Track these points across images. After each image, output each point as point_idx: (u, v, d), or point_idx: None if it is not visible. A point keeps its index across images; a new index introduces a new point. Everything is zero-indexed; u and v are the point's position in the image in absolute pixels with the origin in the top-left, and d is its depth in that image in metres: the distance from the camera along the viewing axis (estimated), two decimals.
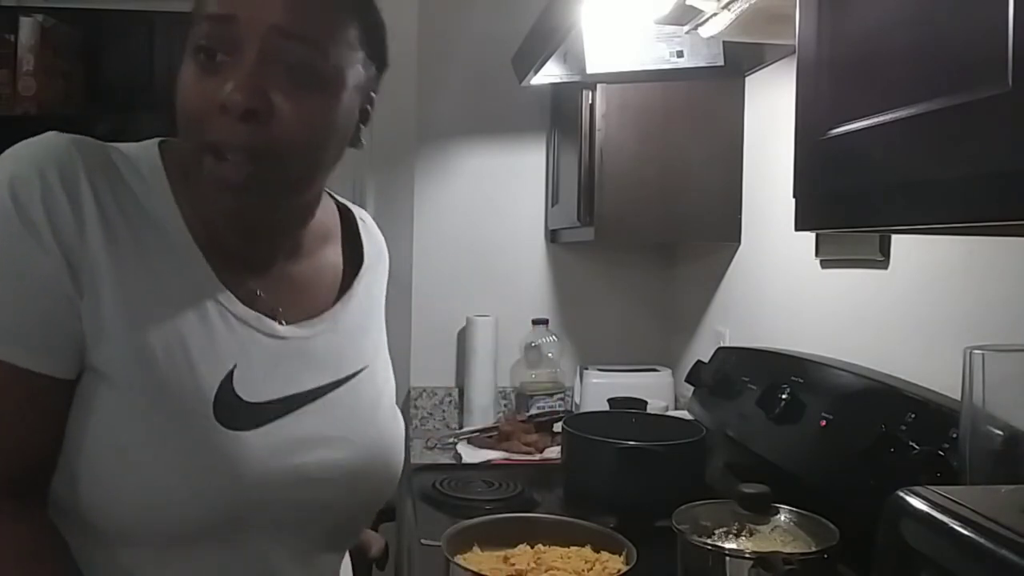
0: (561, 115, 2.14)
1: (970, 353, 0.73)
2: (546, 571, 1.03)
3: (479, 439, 2.03)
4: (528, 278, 2.35)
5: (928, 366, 1.17)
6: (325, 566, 0.90)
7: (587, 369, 2.22)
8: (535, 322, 2.25)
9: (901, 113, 0.60)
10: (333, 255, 0.95)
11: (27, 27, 2.54)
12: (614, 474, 1.42)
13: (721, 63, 1.71)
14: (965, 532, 0.56)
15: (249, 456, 0.77)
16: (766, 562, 0.95)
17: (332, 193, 0.99)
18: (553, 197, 2.23)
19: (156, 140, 0.83)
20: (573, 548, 1.09)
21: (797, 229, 0.77)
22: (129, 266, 0.76)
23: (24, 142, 0.76)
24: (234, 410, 0.77)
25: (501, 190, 2.32)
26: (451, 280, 2.31)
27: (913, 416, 1.04)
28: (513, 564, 1.04)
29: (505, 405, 2.30)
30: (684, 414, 1.75)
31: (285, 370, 0.83)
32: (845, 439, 1.15)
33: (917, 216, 0.61)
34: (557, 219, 2.21)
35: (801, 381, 1.32)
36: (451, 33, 2.27)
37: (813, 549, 0.97)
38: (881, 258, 1.31)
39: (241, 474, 0.76)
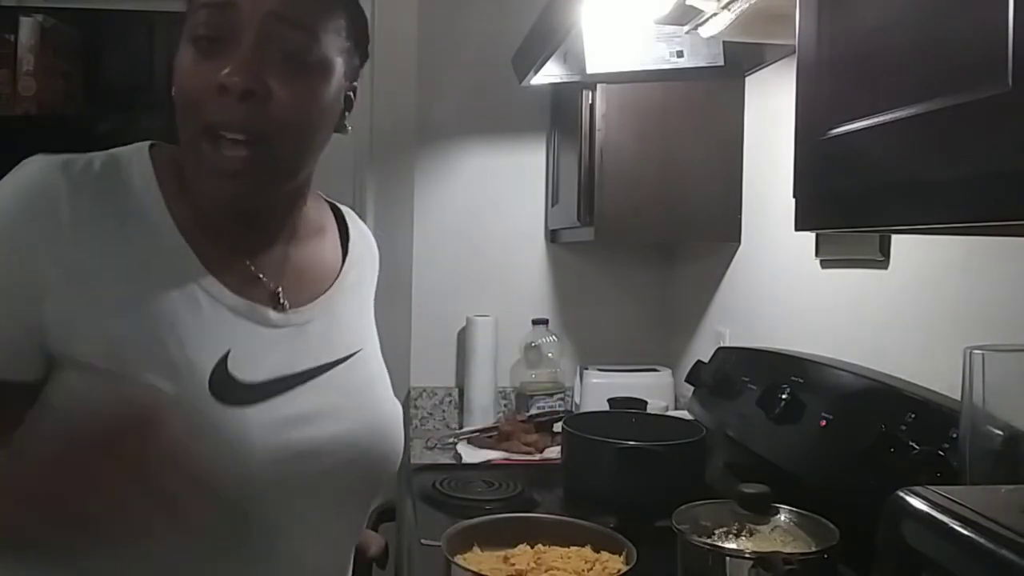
0: (561, 115, 2.14)
1: (970, 353, 0.73)
2: (546, 571, 1.03)
3: (479, 439, 2.03)
4: (528, 278, 2.35)
5: (928, 366, 1.17)
6: (332, 542, 0.90)
7: (587, 369, 2.22)
8: (535, 322, 2.25)
9: (901, 113, 0.60)
10: (331, 247, 0.98)
11: (27, 27, 2.54)
12: (614, 474, 1.42)
13: (721, 63, 1.70)
14: (965, 532, 0.56)
15: (249, 431, 0.78)
16: (766, 562, 0.95)
17: (323, 196, 1.01)
18: (553, 197, 2.23)
19: (147, 143, 0.86)
20: (573, 548, 1.09)
21: (797, 229, 0.77)
22: (117, 264, 0.78)
23: (9, 174, 0.79)
24: (231, 389, 0.79)
25: (501, 190, 2.32)
26: (451, 280, 2.31)
27: (913, 416, 1.04)
28: (513, 564, 1.04)
29: (505, 405, 2.30)
30: (684, 414, 1.75)
31: (280, 355, 0.85)
32: (845, 439, 1.15)
33: (917, 216, 0.61)
34: (557, 219, 2.21)
35: (801, 381, 1.32)
36: (451, 33, 2.27)
37: (813, 549, 0.98)
38: (881, 258, 1.31)
39: (242, 448, 0.77)
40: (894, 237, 1.29)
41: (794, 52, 0.76)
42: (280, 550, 0.82)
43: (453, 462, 1.94)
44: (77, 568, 0.77)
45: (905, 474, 0.95)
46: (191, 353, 0.78)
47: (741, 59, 1.75)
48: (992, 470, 0.72)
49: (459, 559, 1.03)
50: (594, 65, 1.71)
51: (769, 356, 1.50)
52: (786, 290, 1.65)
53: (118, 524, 0.71)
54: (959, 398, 0.76)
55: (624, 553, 1.05)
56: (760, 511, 1.05)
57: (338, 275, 0.96)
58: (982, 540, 0.55)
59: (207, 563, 0.79)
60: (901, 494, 0.63)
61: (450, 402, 2.33)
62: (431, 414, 2.32)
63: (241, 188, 0.80)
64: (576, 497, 1.54)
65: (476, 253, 2.32)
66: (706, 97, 1.84)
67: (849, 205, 0.69)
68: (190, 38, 0.79)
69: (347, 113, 0.89)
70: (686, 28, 1.36)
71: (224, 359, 0.80)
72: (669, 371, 2.23)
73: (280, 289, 0.88)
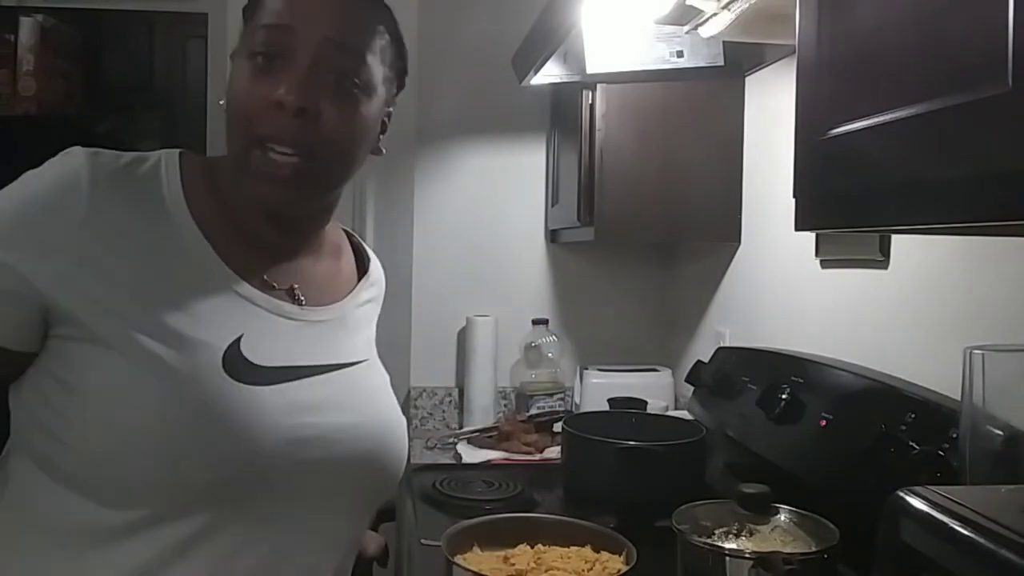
0: (561, 115, 2.14)
1: (970, 353, 0.73)
2: (546, 571, 1.03)
3: (479, 439, 2.03)
4: (528, 278, 2.35)
5: (928, 366, 1.17)
6: (333, 535, 0.90)
7: (587, 369, 2.22)
8: (535, 322, 2.25)
9: (901, 113, 0.60)
10: (347, 266, 1.03)
11: (27, 27, 2.54)
12: (614, 474, 1.42)
13: (721, 63, 1.71)
14: (965, 532, 0.56)
15: (262, 409, 0.80)
16: (766, 562, 0.95)
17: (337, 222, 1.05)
18: (553, 197, 2.23)
19: (178, 150, 0.90)
20: (573, 548, 1.09)
21: (797, 229, 0.77)
22: (138, 253, 0.81)
23: (48, 161, 0.83)
24: (244, 369, 0.81)
25: (501, 190, 2.32)
26: (451, 280, 2.31)
27: (913, 416, 1.04)
28: (513, 564, 1.04)
29: (505, 405, 2.30)
30: (684, 414, 1.75)
31: (292, 345, 0.87)
32: (845, 439, 1.15)
33: (917, 216, 0.61)
34: (557, 219, 2.21)
35: (801, 381, 1.32)
36: (451, 33, 2.27)
37: (813, 549, 0.98)
38: (881, 258, 1.31)
39: (255, 426, 0.79)
40: (894, 237, 1.29)
41: (794, 52, 0.77)
42: (282, 535, 0.83)
43: (453, 462, 1.94)
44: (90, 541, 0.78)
45: (905, 474, 0.95)
46: (205, 333, 0.80)
47: (741, 59, 1.75)
48: (992, 470, 0.72)
49: (459, 559, 1.03)
50: (594, 65, 1.71)
51: (769, 356, 1.50)
52: (786, 290, 1.65)
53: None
54: (959, 398, 0.76)
55: (624, 553, 1.05)
56: (760, 511, 1.05)
57: (353, 290, 1.00)
58: (982, 540, 0.55)
59: (206, 540, 0.79)
60: (901, 494, 0.63)
61: (450, 402, 2.33)
62: (431, 414, 2.32)
63: (289, 194, 0.84)
64: (576, 497, 1.54)
65: (476, 253, 2.32)
66: (706, 97, 1.84)
67: (849, 205, 0.69)
68: (247, 54, 0.84)
69: (381, 136, 0.94)
70: (686, 28, 1.36)
71: (237, 341, 0.82)
72: (669, 371, 2.23)
73: (297, 286, 0.91)
